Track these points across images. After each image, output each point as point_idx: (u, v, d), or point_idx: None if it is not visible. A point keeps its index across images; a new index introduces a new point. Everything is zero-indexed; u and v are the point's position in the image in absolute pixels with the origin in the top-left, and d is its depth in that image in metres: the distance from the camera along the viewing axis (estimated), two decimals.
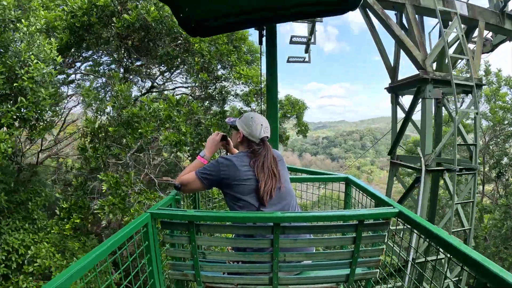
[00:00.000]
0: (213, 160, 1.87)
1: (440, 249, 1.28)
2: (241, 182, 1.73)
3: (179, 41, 6.25)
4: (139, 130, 4.75)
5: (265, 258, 1.62)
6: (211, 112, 6.90)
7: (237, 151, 2.00)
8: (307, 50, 9.50)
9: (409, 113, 7.05)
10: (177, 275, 1.75)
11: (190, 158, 6.50)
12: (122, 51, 6.14)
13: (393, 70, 7.88)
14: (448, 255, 1.24)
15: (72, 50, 6.05)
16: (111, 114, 5.50)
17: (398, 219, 1.63)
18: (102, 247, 1.28)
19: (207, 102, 7.15)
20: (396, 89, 7.79)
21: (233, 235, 1.97)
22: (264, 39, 2.85)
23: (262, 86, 5.26)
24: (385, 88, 8.10)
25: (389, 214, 1.61)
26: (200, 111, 6.00)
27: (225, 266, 1.80)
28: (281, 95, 8.11)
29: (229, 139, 2.14)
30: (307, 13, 2.83)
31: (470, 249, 1.13)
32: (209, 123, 5.96)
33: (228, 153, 2.13)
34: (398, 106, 7.99)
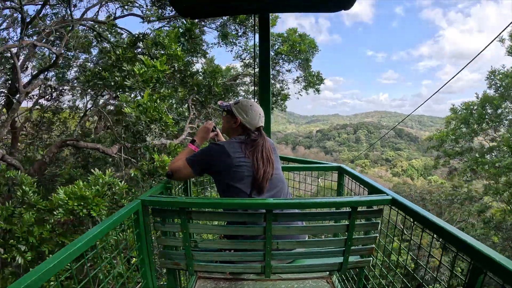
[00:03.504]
0: (205, 147, 1.84)
1: (435, 236, 1.27)
2: (232, 169, 1.69)
3: None
4: None
5: (257, 246, 1.59)
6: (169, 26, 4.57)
7: (226, 138, 1.98)
8: None
9: None
10: (169, 264, 1.72)
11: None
12: None
13: None
14: (443, 241, 1.23)
15: None
16: None
17: (392, 207, 1.62)
18: (90, 235, 1.23)
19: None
20: None
21: (225, 222, 1.94)
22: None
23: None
24: None
25: (383, 201, 1.61)
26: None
27: (217, 255, 1.78)
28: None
29: (217, 130, 2.13)
30: (300, 6, 2.81)
31: (465, 234, 1.12)
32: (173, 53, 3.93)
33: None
34: None
